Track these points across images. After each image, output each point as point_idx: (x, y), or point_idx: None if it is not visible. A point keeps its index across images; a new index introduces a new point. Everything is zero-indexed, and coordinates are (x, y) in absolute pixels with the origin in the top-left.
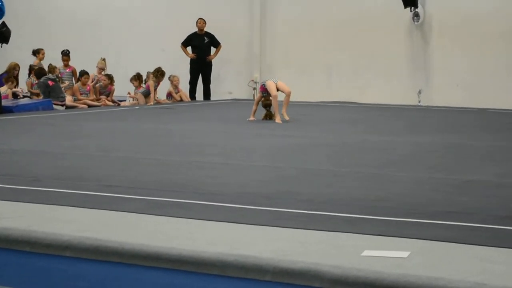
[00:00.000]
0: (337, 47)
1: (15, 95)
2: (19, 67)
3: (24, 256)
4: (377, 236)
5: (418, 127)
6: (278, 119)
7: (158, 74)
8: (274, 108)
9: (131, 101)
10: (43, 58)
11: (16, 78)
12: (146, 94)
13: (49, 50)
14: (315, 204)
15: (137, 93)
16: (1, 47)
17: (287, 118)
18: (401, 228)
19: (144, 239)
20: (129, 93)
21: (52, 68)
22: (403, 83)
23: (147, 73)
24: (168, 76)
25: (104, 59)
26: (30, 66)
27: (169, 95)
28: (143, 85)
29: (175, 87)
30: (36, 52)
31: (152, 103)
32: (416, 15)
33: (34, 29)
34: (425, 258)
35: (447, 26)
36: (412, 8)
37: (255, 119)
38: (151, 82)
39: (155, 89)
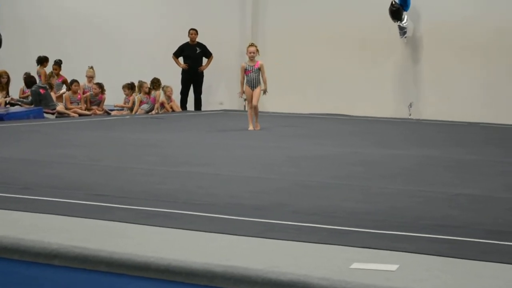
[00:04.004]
0: (328, 59)
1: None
2: (6, 75)
3: (12, 265)
4: (366, 248)
5: (408, 141)
6: (251, 127)
7: (156, 85)
8: (249, 117)
9: (125, 108)
10: (46, 66)
11: (6, 86)
12: (150, 110)
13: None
14: (305, 216)
15: (142, 109)
16: None
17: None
18: (390, 241)
19: (133, 249)
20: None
21: (49, 77)
22: (394, 96)
23: (139, 81)
24: (162, 86)
25: (92, 67)
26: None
27: (161, 105)
28: (138, 95)
29: (168, 97)
30: (43, 61)
31: (154, 113)
32: (401, 28)
33: (24, 37)
34: (414, 271)
35: (437, 39)
36: (397, 21)
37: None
38: (158, 93)
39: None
